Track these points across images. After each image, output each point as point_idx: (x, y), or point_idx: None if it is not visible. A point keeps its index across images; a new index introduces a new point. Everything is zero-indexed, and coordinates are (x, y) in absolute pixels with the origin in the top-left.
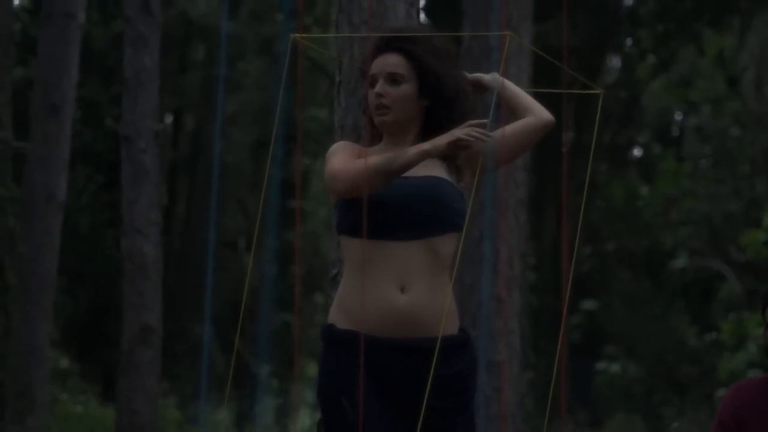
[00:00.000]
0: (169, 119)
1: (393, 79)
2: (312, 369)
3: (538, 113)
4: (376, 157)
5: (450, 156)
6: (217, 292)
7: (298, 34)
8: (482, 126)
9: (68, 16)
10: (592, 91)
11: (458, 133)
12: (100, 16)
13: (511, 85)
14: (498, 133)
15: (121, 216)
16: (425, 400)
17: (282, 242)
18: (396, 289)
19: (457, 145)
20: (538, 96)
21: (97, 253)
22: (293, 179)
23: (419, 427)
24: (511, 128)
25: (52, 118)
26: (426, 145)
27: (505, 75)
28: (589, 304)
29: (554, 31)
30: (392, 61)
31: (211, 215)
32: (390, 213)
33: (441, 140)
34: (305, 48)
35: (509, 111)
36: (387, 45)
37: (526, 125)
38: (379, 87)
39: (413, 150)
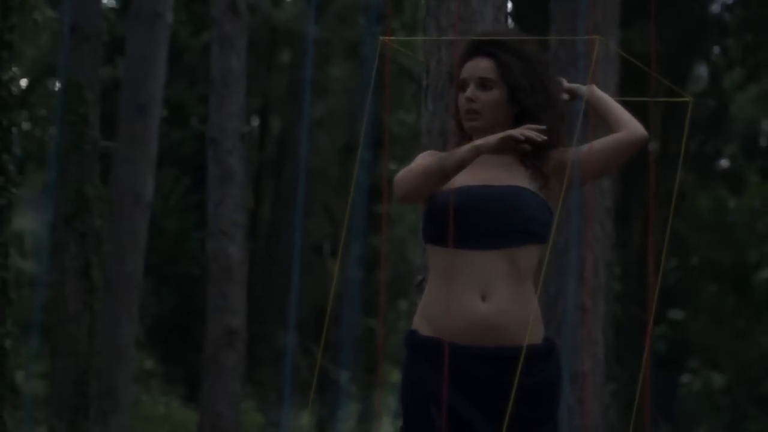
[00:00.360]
0: (255, 122)
1: (483, 84)
2: (395, 376)
3: (631, 128)
4: (431, 159)
5: (536, 164)
6: (301, 297)
7: (386, 37)
8: (540, 130)
9: (156, 16)
10: (680, 99)
11: (512, 131)
12: (188, 16)
13: (605, 97)
14: (585, 148)
15: (207, 217)
16: (509, 409)
17: (368, 247)
18: (477, 297)
19: (507, 142)
20: (625, 104)
21: (183, 254)
22: (380, 184)
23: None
24: (600, 143)
25: (138, 118)
26: (478, 142)
27: (593, 81)
28: (675, 314)
29: (639, 38)
30: (483, 66)
31: (296, 219)
32: (469, 222)
33: (493, 137)
34: (393, 52)
35: (604, 124)
36: (478, 49)
37: (616, 140)
38: (470, 92)
39: (465, 147)
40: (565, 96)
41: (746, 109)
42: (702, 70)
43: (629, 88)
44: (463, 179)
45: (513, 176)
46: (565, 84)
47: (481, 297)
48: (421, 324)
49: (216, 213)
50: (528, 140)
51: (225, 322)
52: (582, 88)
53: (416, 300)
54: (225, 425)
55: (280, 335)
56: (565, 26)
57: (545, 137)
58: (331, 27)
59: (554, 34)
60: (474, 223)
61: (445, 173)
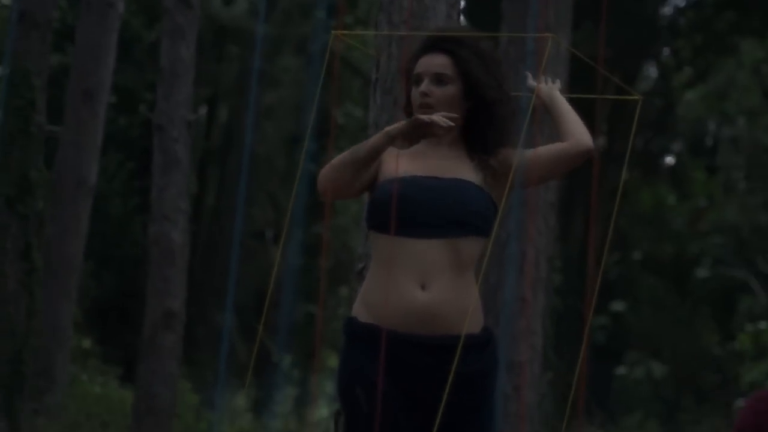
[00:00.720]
0: (203, 110)
1: (439, 79)
2: (333, 361)
3: (577, 140)
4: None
5: (483, 157)
6: (242, 282)
7: (338, 31)
8: (450, 117)
9: (108, 5)
10: (630, 97)
11: (420, 115)
12: (140, 7)
13: (560, 101)
14: (531, 153)
15: (151, 203)
16: (445, 396)
17: (310, 235)
18: (416, 286)
19: (415, 126)
20: (574, 101)
21: (125, 238)
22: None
23: (437, 423)
24: (546, 150)
25: (86, 104)
26: (389, 128)
27: (542, 79)
28: (616, 306)
29: (589, 40)
30: (439, 62)
31: (238, 203)
32: (413, 210)
33: (403, 123)
34: (344, 45)
35: (553, 126)
36: (434, 45)
37: (560, 150)
38: (425, 86)
39: (378, 134)
40: (528, 92)
41: (693, 108)
42: (651, 71)
43: (578, 89)
44: (408, 169)
45: (459, 169)
46: (529, 80)
47: (421, 286)
48: (360, 310)
49: (159, 198)
50: (434, 124)
51: (164, 304)
52: (543, 89)
53: (357, 287)
54: (160, 405)
55: (219, 318)
56: (516, 25)
57: (452, 123)
58: (280, 23)
59: (505, 32)
60: (417, 212)
61: (359, 161)
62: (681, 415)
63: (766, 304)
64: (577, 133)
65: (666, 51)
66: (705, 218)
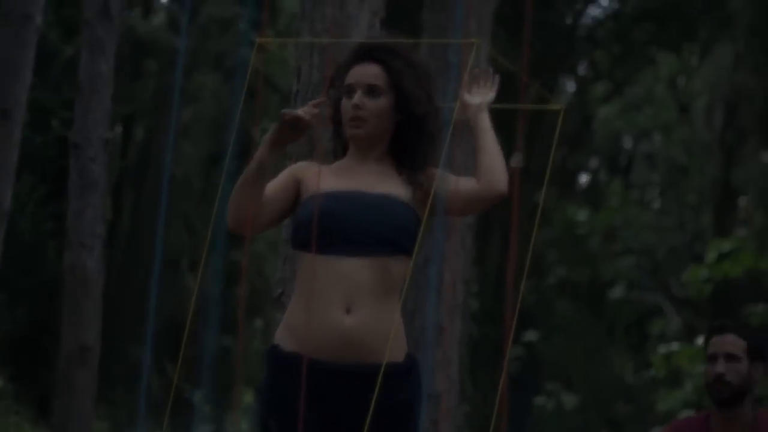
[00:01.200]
0: (118, 129)
1: (371, 90)
2: (249, 397)
3: (491, 182)
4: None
5: (411, 172)
6: (157, 311)
7: (262, 39)
8: (317, 103)
9: (25, 18)
10: (551, 107)
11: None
12: (57, 19)
13: (484, 130)
14: (452, 183)
15: (66, 228)
16: (366, 427)
17: (226, 263)
18: (341, 310)
19: (283, 123)
20: (496, 112)
21: (38, 266)
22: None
23: None
24: (464, 187)
25: (1, 124)
26: (267, 135)
27: (466, 87)
28: (529, 336)
29: (507, 50)
30: (372, 72)
31: (158, 229)
32: (338, 227)
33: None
34: (264, 58)
35: (473, 152)
36: (366, 54)
37: (473, 193)
38: (358, 98)
39: (260, 147)
40: (438, 107)
41: (610, 124)
42: (569, 85)
43: (497, 100)
44: (333, 185)
45: (387, 184)
46: (465, 95)
47: (346, 309)
48: (283, 336)
49: (75, 223)
50: (300, 119)
51: (78, 337)
52: (473, 103)
53: (275, 314)
54: None
55: (133, 352)
56: (437, 35)
57: (316, 111)
58: (198, 37)
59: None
60: (342, 228)
61: (250, 180)
62: None
63: (679, 328)
64: (494, 173)
65: (583, 64)
66: (618, 238)
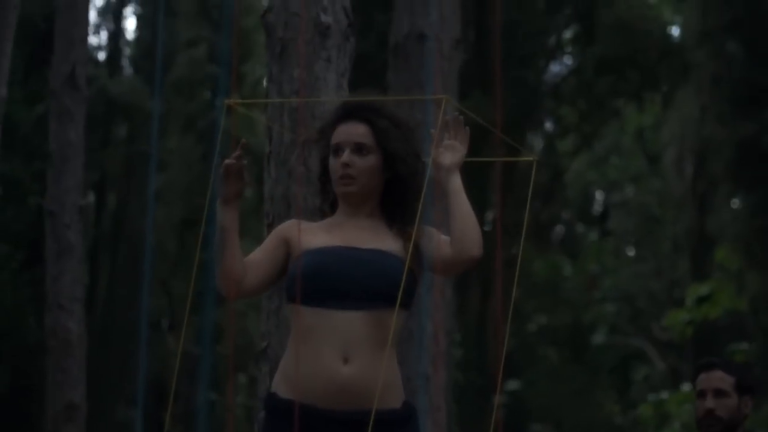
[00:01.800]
0: (90, 197)
1: (359, 149)
2: None
3: (463, 249)
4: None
5: (401, 226)
6: (138, 373)
7: (232, 100)
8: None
9: None
10: (525, 158)
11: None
12: (23, 92)
13: (456, 192)
14: (437, 240)
15: (44, 293)
16: None
17: (206, 321)
18: (339, 359)
19: (223, 176)
20: (470, 165)
21: (17, 332)
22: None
23: None
24: (443, 251)
25: None
26: (220, 198)
27: (437, 144)
28: (512, 384)
29: (476, 108)
30: (359, 131)
31: (143, 290)
32: (333, 281)
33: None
34: (237, 117)
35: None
36: (351, 114)
37: (447, 258)
38: (347, 157)
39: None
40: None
41: (580, 176)
42: (537, 141)
43: (468, 155)
44: (326, 240)
45: (379, 239)
46: (436, 157)
47: (343, 359)
48: (280, 385)
49: (54, 287)
50: (227, 167)
51: (65, 397)
52: (445, 162)
53: (261, 367)
54: None
55: (118, 411)
56: (401, 95)
57: (239, 153)
58: (167, 99)
59: (392, 103)
60: (338, 283)
61: (219, 246)
62: None
63: (663, 373)
64: (464, 240)
65: (550, 119)
66: (598, 285)
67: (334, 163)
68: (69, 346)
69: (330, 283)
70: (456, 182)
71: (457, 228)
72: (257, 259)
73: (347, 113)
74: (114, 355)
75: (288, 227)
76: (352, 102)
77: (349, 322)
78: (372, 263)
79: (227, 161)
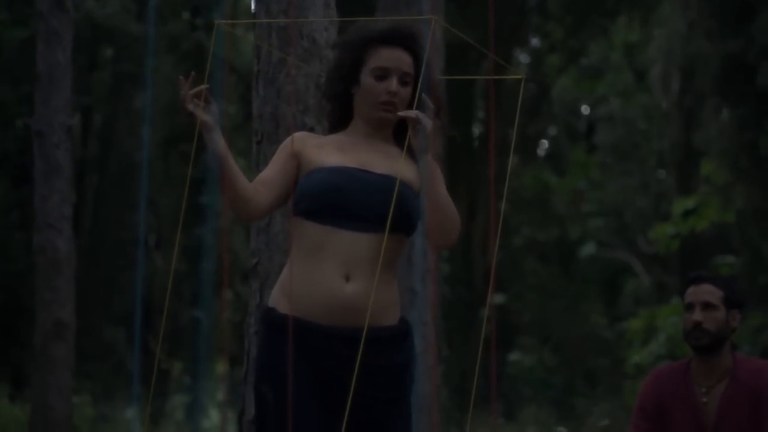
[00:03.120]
0: (78, 118)
1: (404, 80)
2: (221, 367)
3: (439, 242)
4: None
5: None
6: (126, 290)
7: (223, 21)
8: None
9: None
10: (513, 77)
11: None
12: (10, 14)
13: (427, 175)
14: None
15: (32, 213)
16: (352, 387)
17: (190, 238)
18: (341, 277)
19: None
20: (459, 81)
21: (6, 253)
22: (204, 176)
23: (346, 414)
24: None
25: None
26: (204, 129)
27: (431, 63)
28: (499, 298)
29: (460, 25)
30: (407, 61)
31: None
32: (345, 201)
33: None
34: (222, 39)
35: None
36: (400, 41)
37: (432, 240)
38: (396, 85)
39: (206, 137)
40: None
41: (568, 91)
42: (523, 57)
43: (458, 72)
44: (338, 160)
45: (392, 165)
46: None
47: (345, 277)
48: (280, 301)
49: (43, 207)
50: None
51: (54, 314)
52: (417, 144)
53: (251, 284)
54: (57, 417)
55: (106, 329)
56: (389, 14)
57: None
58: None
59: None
60: (350, 203)
61: (219, 169)
62: (576, 399)
63: (649, 287)
64: (444, 231)
65: (537, 36)
66: (585, 200)
67: (377, 86)
68: (58, 264)
69: (341, 202)
70: (425, 166)
71: (430, 221)
72: (268, 177)
73: (392, 38)
74: (101, 274)
75: (298, 140)
76: (398, 27)
77: (355, 242)
78: (384, 188)
79: (183, 97)
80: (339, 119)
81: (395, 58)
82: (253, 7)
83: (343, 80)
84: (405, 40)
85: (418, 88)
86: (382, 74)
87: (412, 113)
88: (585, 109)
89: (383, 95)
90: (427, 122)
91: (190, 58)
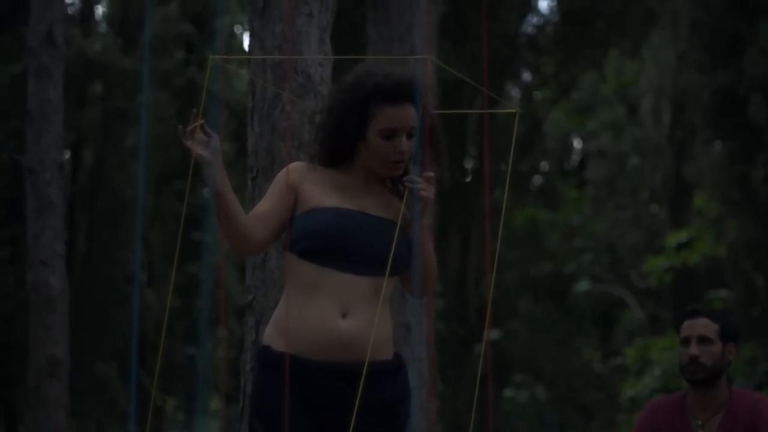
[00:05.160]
0: (67, 154)
1: (411, 133)
2: (215, 404)
3: (421, 292)
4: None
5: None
6: (118, 327)
7: (218, 56)
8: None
9: None
10: (507, 111)
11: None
12: (0, 50)
13: (424, 238)
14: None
15: (25, 249)
16: (353, 421)
17: (183, 275)
18: (338, 314)
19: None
20: (452, 117)
21: None
22: (197, 212)
23: None
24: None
25: None
26: (202, 164)
27: (426, 103)
28: (492, 334)
29: (452, 61)
30: (412, 115)
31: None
32: (345, 244)
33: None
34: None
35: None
36: (405, 95)
37: (413, 293)
38: (406, 145)
39: (206, 174)
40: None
41: (559, 126)
42: (514, 92)
43: (451, 107)
44: (338, 201)
45: (388, 209)
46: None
47: (342, 315)
48: (274, 339)
49: (35, 244)
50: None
51: (48, 352)
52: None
53: (246, 321)
54: None
55: (99, 366)
56: (381, 48)
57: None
58: (143, 58)
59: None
60: (350, 247)
61: (218, 205)
62: None
63: (643, 320)
64: (424, 285)
65: (527, 70)
66: (578, 235)
67: (385, 146)
68: (52, 302)
69: (341, 245)
70: (424, 229)
71: (422, 277)
72: (265, 212)
73: (399, 94)
74: (93, 311)
75: (295, 172)
76: (401, 80)
77: (352, 284)
78: (382, 233)
79: (182, 132)
80: (336, 160)
81: (402, 116)
82: (247, 42)
83: (348, 138)
84: (407, 92)
85: (419, 130)
86: (391, 133)
87: (419, 187)
88: (577, 143)
89: (393, 155)
90: (430, 193)
91: (184, 94)
